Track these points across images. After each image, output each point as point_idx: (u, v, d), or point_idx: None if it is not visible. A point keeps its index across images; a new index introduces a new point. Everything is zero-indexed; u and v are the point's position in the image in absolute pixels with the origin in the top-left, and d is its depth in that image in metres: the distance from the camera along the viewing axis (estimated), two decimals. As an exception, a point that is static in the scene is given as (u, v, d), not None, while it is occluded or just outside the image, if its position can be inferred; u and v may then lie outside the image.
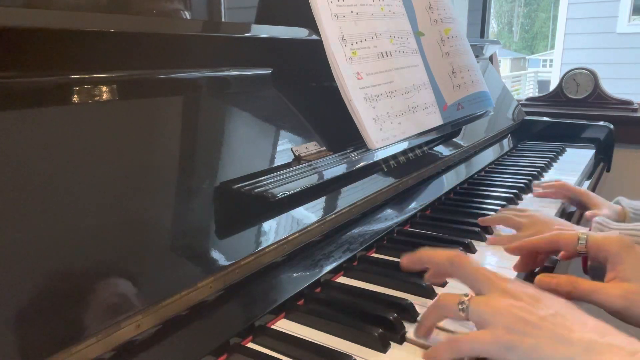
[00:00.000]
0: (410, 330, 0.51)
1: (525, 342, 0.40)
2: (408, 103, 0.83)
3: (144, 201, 0.48)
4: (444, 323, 0.51)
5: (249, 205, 0.56)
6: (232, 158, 0.58)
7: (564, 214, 0.93)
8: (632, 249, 0.52)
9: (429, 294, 0.57)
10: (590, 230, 0.70)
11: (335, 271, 0.63)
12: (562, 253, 0.60)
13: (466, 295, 0.46)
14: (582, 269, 0.69)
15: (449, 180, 1.00)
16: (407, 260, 0.56)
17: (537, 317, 0.42)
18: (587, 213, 0.84)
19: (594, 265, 0.59)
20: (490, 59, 1.61)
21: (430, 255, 0.54)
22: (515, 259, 0.64)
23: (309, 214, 0.64)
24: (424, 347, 0.48)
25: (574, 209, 0.97)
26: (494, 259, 0.70)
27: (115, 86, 0.50)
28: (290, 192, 0.57)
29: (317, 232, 0.64)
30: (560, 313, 0.43)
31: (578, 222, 0.98)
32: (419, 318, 0.52)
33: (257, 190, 0.55)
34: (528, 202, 0.94)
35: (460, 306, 0.45)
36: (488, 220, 0.78)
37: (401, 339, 0.49)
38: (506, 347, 0.41)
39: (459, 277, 0.51)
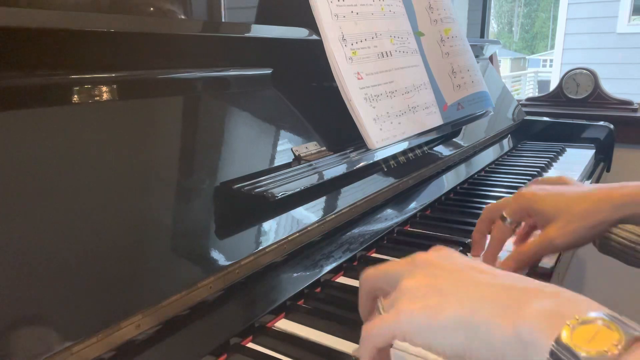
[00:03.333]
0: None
1: (427, 306, 0.33)
2: (408, 103, 0.83)
3: (144, 201, 0.48)
4: None
5: (249, 205, 0.56)
6: (232, 158, 0.58)
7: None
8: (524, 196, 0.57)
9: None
10: None
11: (336, 271, 0.63)
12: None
13: (379, 303, 0.38)
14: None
15: (449, 180, 1.00)
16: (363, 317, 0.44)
17: (441, 276, 0.36)
18: None
19: (603, 248, 0.60)
20: (490, 59, 1.61)
21: (360, 297, 0.43)
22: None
23: (309, 214, 0.64)
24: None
25: None
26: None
27: (115, 86, 0.50)
28: (290, 192, 0.57)
29: (317, 232, 0.64)
30: (470, 266, 0.37)
31: None
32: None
33: (257, 190, 0.55)
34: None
35: (378, 314, 0.38)
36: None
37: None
38: (408, 318, 0.34)
39: (381, 286, 0.41)
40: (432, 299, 0.34)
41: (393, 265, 0.41)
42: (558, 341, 0.27)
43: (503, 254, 0.62)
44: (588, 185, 0.60)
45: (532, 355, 0.28)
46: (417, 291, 0.35)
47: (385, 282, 0.40)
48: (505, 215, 0.59)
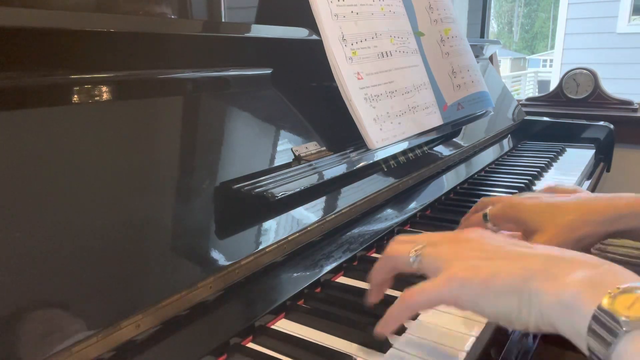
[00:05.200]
0: (410, 330, 0.51)
1: (479, 274, 0.37)
2: (408, 103, 0.83)
3: (144, 201, 0.48)
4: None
5: (249, 205, 0.56)
6: (232, 158, 0.58)
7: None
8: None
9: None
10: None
11: (336, 271, 0.63)
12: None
13: (419, 245, 0.42)
14: None
15: (449, 180, 1.00)
16: (372, 296, 0.50)
17: (490, 250, 0.39)
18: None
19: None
20: (490, 59, 1.61)
21: (375, 271, 0.48)
22: None
23: (309, 214, 0.64)
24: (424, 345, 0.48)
25: None
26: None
27: (115, 86, 0.50)
28: (290, 192, 0.57)
29: (317, 232, 0.64)
30: (512, 242, 0.41)
31: None
32: (369, 279, 0.48)
33: (257, 190, 0.55)
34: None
35: (412, 256, 0.42)
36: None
37: (401, 335, 0.49)
38: (460, 285, 0.37)
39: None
40: (483, 268, 0.37)
41: (426, 236, 0.44)
42: (600, 307, 0.30)
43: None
44: (585, 197, 0.56)
45: (577, 319, 0.31)
46: (466, 261, 0.38)
47: (415, 248, 0.43)
48: (488, 214, 0.57)
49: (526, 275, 0.35)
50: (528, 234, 0.53)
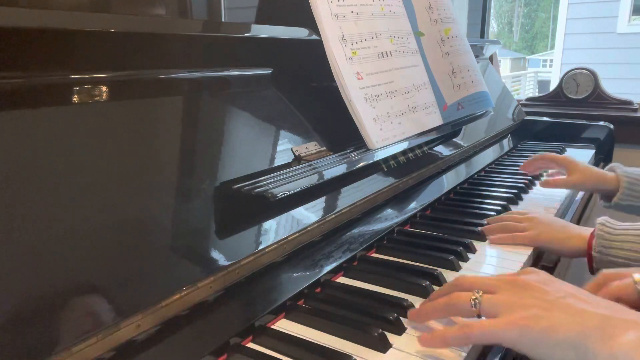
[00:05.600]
0: (410, 330, 0.51)
1: (539, 324, 0.40)
2: (408, 103, 0.83)
3: (144, 201, 0.48)
4: None
5: (249, 205, 0.56)
6: (232, 158, 0.58)
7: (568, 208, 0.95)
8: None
9: (429, 294, 0.57)
10: (594, 231, 0.70)
11: (335, 271, 0.63)
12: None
13: (478, 292, 0.46)
14: (589, 270, 0.68)
15: (449, 180, 1.00)
16: (418, 320, 0.51)
17: (550, 301, 0.42)
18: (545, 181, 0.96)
19: (601, 266, 0.59)
20: (490, 59, 1.61)
21: (434, 310, 0.50)
22: (518, 259, 0.64)
23: (309, 214, 0.64)
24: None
25: (578, 200, 1.00)
26: (493, 260, 0.70)
27: (115, 86, 0.50)
28: (290, 192, 0.57)
29: (317, 232, 0.64)
30: (571, 294, 0.43)
31: (583, 210, 1.00)
32: (426, 310, 0.50)
33: (257, 190, 0.55)
34: (528, 202, 0.94)
35: (473, 302, 0.45)
36: (490, 229, 0.76)
37: (401, 336, 0.49)
38: (520, 332, 0.41)
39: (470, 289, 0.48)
40: (544, 319, 0.41)
41: (490, 279, 0.48)
42: None
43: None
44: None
45: None
46: (527, 310, 0.42)
47: (479, 285, 0.47)
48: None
49: (584, 332, 0.39)
50: None
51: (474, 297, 0.46)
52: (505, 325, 0.42)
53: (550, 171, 1.08)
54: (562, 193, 0.98)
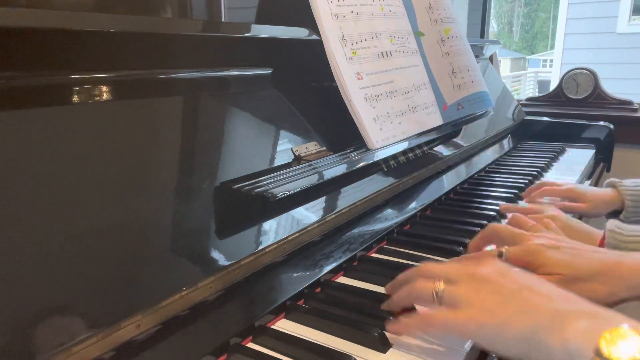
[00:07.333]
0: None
1: (495, 319, 0.43)
2: (408, 103, 0.83)
3: (144, 201, 0.48)
4: None
5: (249, 205, 0.56)
6: (232, 158, 0.58)
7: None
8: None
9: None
10: (604, 237, 0.68)
11: (335, 271, 0.63)
12: None
13: (441, 284, 0.47)
14: None
15: (449, 180, 1.00)
16: (390, 307, 0.53)
17: (505, 295, 0.44)
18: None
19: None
20: (490, 59, 1.61)
21: (398, 298, 0.52)
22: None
23: (309, 214, 0.64)
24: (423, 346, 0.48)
25: None
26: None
27: (115, 86, 0.50)
28: (290, 192, 0.57)
29: (317, 232, 0.64)
30: (526, 286, 0.45)
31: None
32: (391, 300, 0.53)
33: (257, 190, 0.55)
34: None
35: (434, 294, 0.47)
36: (509, 208, 0.82)
37: (401, 335, 0.49)
38: (477, 326, 0.43)
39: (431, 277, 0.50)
40: (499, 315, 0.43)
41: (450, 267, 0.49)
42: (597, 352, 0.36)
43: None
44: (597, 252, 0.56)
45: None
46: (483, 305, 0.44)
47: (441, 274, 0.48)
48: (504, 253, 0.57)
49: (536, 326, 0.40)
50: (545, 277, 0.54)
51: (435, 290, 0.47)
52: (464, 319, 0.44)
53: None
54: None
